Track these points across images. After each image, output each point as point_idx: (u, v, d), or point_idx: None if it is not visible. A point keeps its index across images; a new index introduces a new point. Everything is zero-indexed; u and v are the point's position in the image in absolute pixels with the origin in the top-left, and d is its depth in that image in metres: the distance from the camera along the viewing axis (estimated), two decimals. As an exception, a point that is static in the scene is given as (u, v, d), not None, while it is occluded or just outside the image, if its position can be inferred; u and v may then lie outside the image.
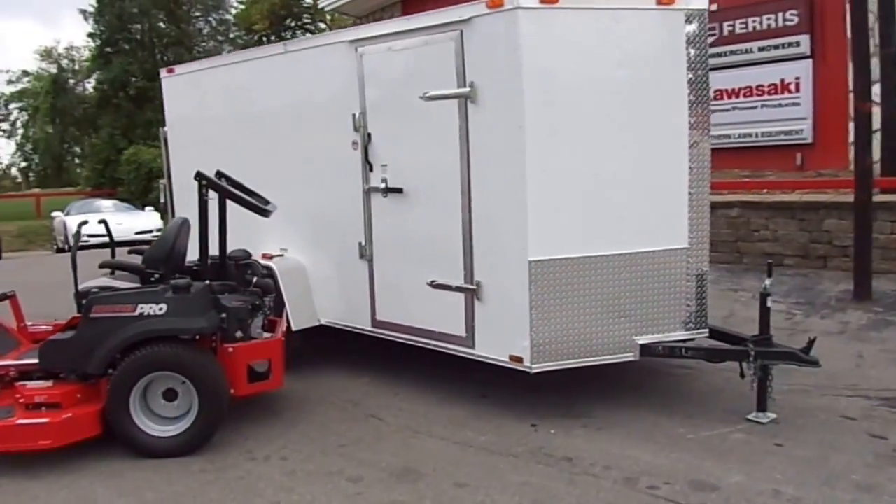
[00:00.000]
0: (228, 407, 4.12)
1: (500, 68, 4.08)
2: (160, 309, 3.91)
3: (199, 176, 4.10)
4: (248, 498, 3.51)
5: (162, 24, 32.69)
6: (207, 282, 4.15)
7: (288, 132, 5.55)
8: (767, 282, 4.37)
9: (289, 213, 5.01)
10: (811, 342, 4.15)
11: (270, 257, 5.50)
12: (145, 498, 3.53)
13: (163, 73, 6.68)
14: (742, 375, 4.17)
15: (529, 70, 4.01)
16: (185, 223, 4.55)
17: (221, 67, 6.21)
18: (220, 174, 4.41)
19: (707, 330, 4.46)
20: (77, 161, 41.00)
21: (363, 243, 5.00)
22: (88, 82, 35.55)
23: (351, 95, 4.90)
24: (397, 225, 4.82)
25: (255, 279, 4.66)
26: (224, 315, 4.09)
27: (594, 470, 3.64)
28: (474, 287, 4.38)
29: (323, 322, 5.44)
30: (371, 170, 4.86)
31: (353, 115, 4.86)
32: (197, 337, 4.13)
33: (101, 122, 32.35)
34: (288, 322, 5.11)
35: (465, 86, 4.22)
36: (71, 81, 36.03)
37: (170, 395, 4.02)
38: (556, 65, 4.06)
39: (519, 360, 4.21)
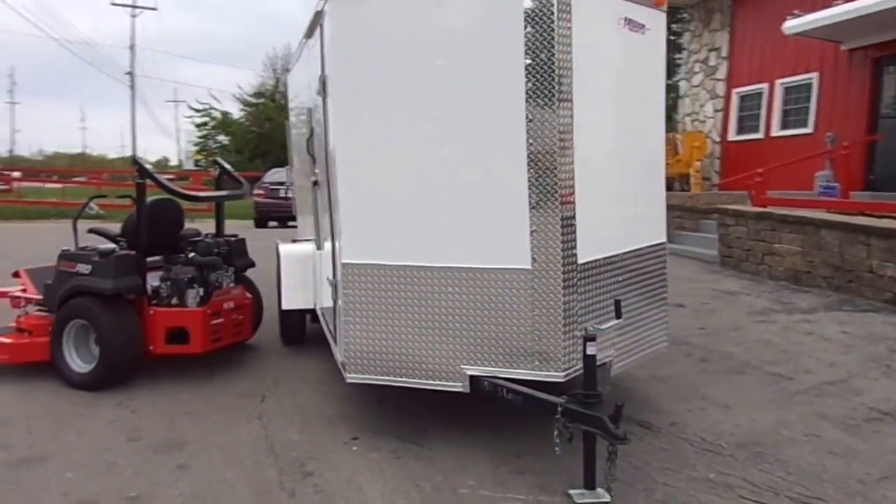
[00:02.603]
0: (136, 358, 4.81)
1: (327, 65, 3.89)
2: (87, 269, 4.77)
3: (134, 161, 4.85)
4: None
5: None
6: (126, 251, 4.91)
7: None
8: (609, 324, 3.38)
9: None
10: (619, 409, 3.09)
11: (294, 241, 6.04)
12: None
13: None
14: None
15: (333, 64, 3.75)
16: (164, 202, 5.35)
17: None
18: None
19: (562, 374, 3.58)
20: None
21: (316, 237, 5.14)
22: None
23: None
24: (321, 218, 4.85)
25: (192, 255, 5.23)
26: (141, 281, 4.80)
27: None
28: (335, 284, 4.25)
29: (318, 308, 5.73)
30: (314, 162, 4.98)
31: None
32: (132, 297, 4.91)
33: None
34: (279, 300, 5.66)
35: (320, 82, 4.08)
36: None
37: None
38: (362, 57, 3.67)
39: (344, 367, 3.99)
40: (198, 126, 35.02)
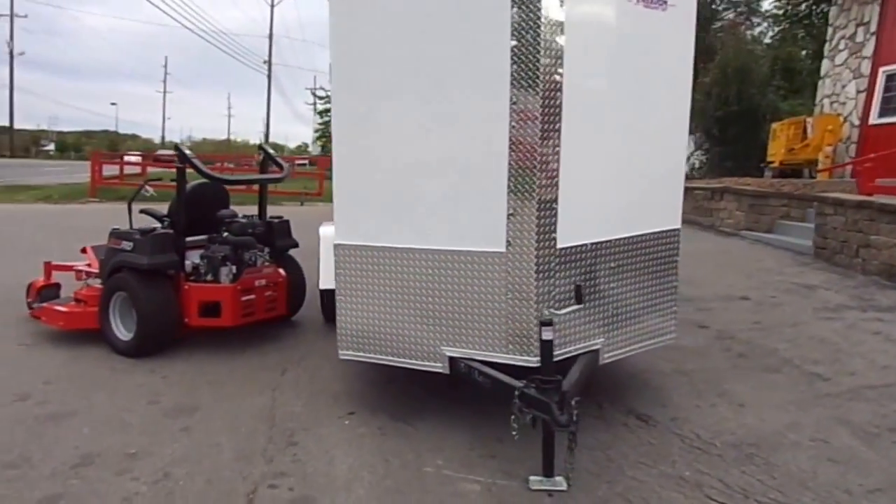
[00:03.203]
0: (171, 329, 5.20)
1: (330, 52, 3.96)
2: (129, 246, 5.20)
3: (175, 147, 5.21)
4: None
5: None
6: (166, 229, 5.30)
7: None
8: (566, 310, 3.31)
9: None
10: (563, 395, 3.03)
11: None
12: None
13: None
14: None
15: (333, 51, 3.84)
16: (208, 185, 5.71)
17: None
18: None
19: (536, 359, 3.54)
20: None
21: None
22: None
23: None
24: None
25: (225, 234, 5.53)
26: (177, 257, 5.19)
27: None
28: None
29: None
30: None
31: None
32: (171, 272, 5.31)
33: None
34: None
35: (329, 68, 4.17)
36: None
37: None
38: (357, 44, 3.76)
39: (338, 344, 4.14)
40: (319, 114, 36.55)
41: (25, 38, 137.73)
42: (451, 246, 3.66)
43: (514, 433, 3.24)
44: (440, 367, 3.79)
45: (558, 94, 3.39)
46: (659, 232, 4.06)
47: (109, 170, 24.30)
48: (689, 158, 19.22)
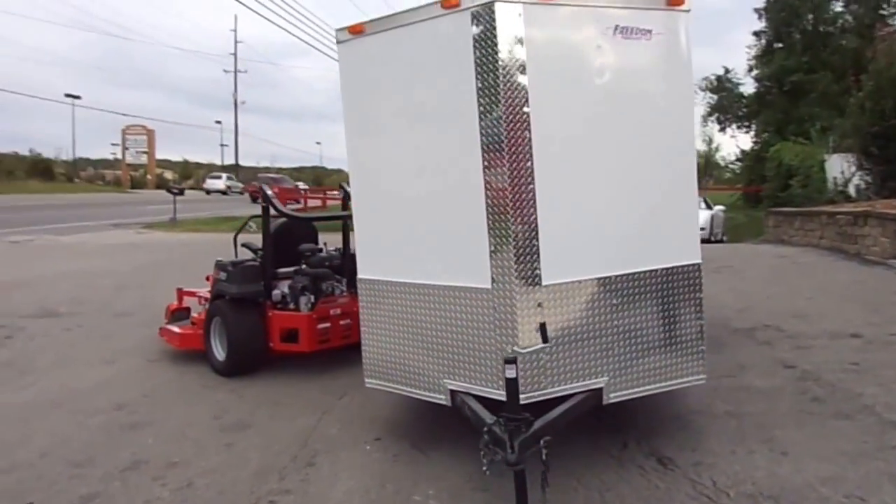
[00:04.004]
0: (256, 352, 5.77)
1: (342, 97, 4.28)
2: (224, 276, 5.87)
3: (260, 189, 5.82)
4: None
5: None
6: (258, 262, 5.87)
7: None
8: (531, 348, 3.29)
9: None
10: (512, 435, 3.02)
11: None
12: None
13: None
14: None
15: (343, 97, 4.16)
16: (285, 223, 6.27)
17: None
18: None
19: (525, 395, 3.54)
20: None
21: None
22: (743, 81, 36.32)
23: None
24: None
25: (304, 266, 6.00)
26: (263, 287, 5.77)
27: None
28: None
29: None
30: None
31: None
32: (260, 300, 5.91)
33: (756, 120, 32.99)
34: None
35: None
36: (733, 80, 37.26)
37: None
38: (359, 91, 4.07)
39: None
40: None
41: (247, 90, 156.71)
42: (447, 281, 3.79)
43: (484, 468, 3.28)
44: (443, 399, 3.91)
45: (525, 131, 3.43)
46: (672, 268, 3.86)
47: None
48: (848, 181, 17.20)
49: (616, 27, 3.66)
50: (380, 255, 4.15)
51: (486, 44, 3.44)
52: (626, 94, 3.73)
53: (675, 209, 3.89)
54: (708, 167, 50.67)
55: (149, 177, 69.43)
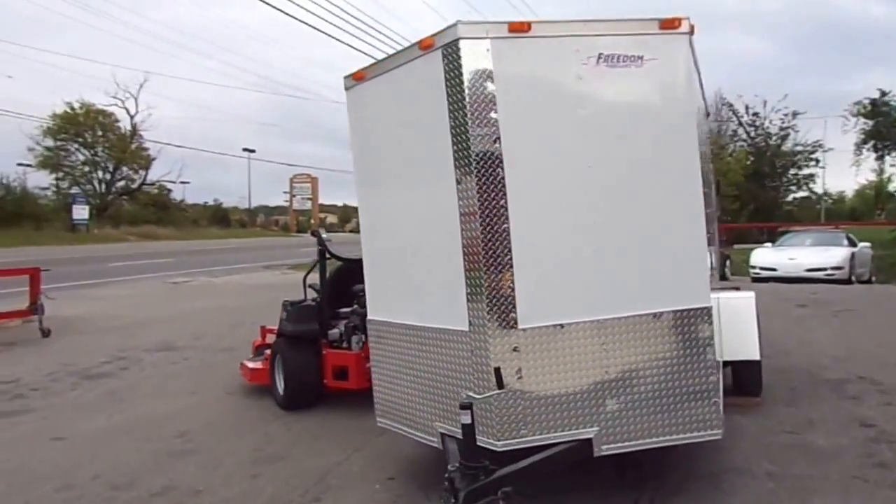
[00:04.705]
0: (310, 388, 5.99)
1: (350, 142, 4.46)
2: (284, 315, 6.19)
3: (313, 233, 6.10)
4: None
5: None
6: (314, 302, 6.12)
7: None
8: (485, 394, 3.17)
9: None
10: (456, 492, 2.92)
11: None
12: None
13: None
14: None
15: (353, 146, 4.32)
16: (341, 267, 6.49)
17: None
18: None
19: (499, 443, 3.44)
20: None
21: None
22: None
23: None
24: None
25: (356, 306, 6.13)
26: (318, 326, 6.01)
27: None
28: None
29: None
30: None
31: None
32: (316, 338, 6.15)
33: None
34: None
35: None
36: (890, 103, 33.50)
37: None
38: (363, 137, 4.23)
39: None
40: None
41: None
42: (435, 323, 3.78)
43: (443, 515, 3.20)
44: (435, 442, 3.87)
45: (498, 169, 3.37)
46: (674, 312, 3.57)
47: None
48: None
49: (599, 56, 3.50)
50: (384, 298, 4.23)
51: (454, 82, 3.46)
52: (613, 128, 3.56)
53: (672, 250, 3.61)
54: (879, 200, 45.76)
55: (312, 221, 74.51)
